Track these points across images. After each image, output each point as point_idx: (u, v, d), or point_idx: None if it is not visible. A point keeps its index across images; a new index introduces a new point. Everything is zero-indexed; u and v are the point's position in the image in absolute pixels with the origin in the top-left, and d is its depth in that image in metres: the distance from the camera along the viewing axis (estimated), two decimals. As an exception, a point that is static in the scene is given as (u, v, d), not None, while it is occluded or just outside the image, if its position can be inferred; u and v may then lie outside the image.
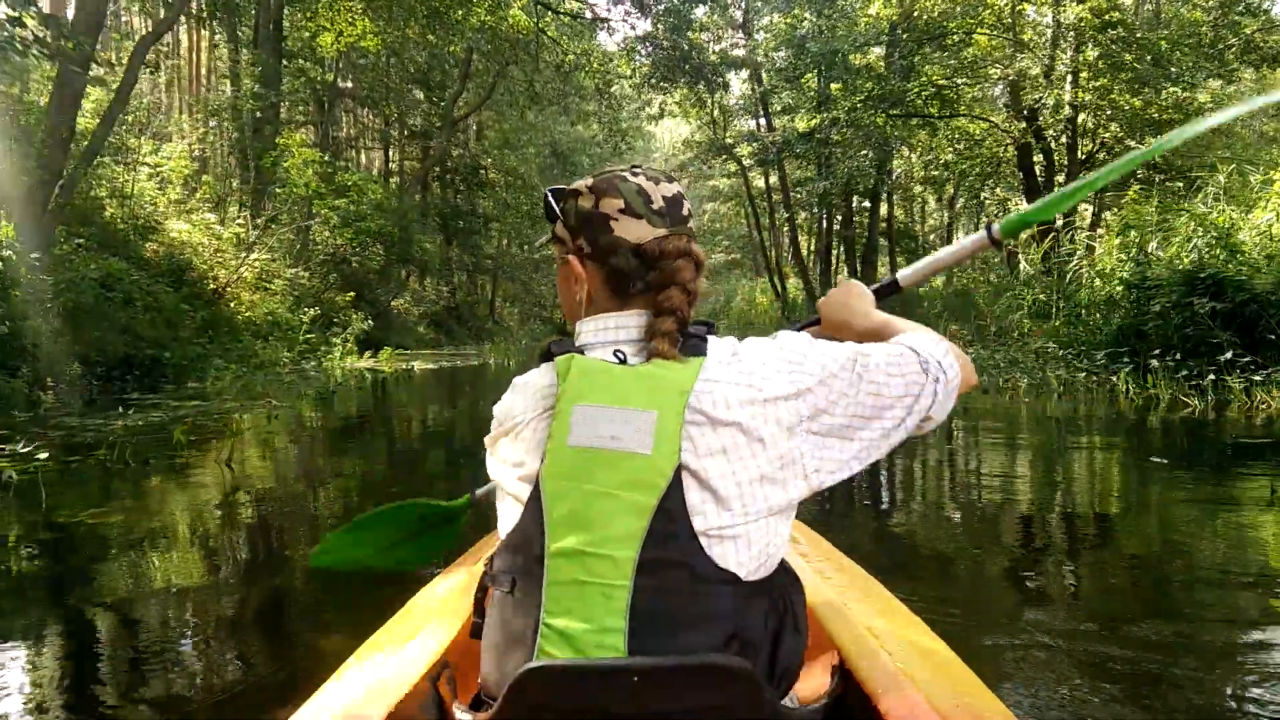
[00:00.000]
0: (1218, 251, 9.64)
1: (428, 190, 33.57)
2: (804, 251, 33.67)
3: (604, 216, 1.17)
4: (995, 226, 1.56)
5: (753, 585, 1.05)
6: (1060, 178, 18.23)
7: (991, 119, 20.43)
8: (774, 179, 32.95)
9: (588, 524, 1.03)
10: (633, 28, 27.81)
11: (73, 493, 4.52)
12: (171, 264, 15.63)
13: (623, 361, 1.13)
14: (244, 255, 16.97)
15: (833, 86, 21.07)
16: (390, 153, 36.61)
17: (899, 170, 29.30)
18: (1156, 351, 8.30)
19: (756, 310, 33.96)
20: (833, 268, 29.86)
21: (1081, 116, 17.88)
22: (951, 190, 33.61)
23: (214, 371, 12.16)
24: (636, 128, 36.93)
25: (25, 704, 2.06)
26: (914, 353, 1.17)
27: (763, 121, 30.29)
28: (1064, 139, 18.27)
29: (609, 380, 1.09)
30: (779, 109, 28.85)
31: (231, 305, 16.86)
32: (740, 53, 28.51)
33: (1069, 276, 12.65)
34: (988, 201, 24.15)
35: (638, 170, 1.21)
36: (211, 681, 2.24)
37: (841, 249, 31.02)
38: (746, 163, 33.03)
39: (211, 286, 16.51)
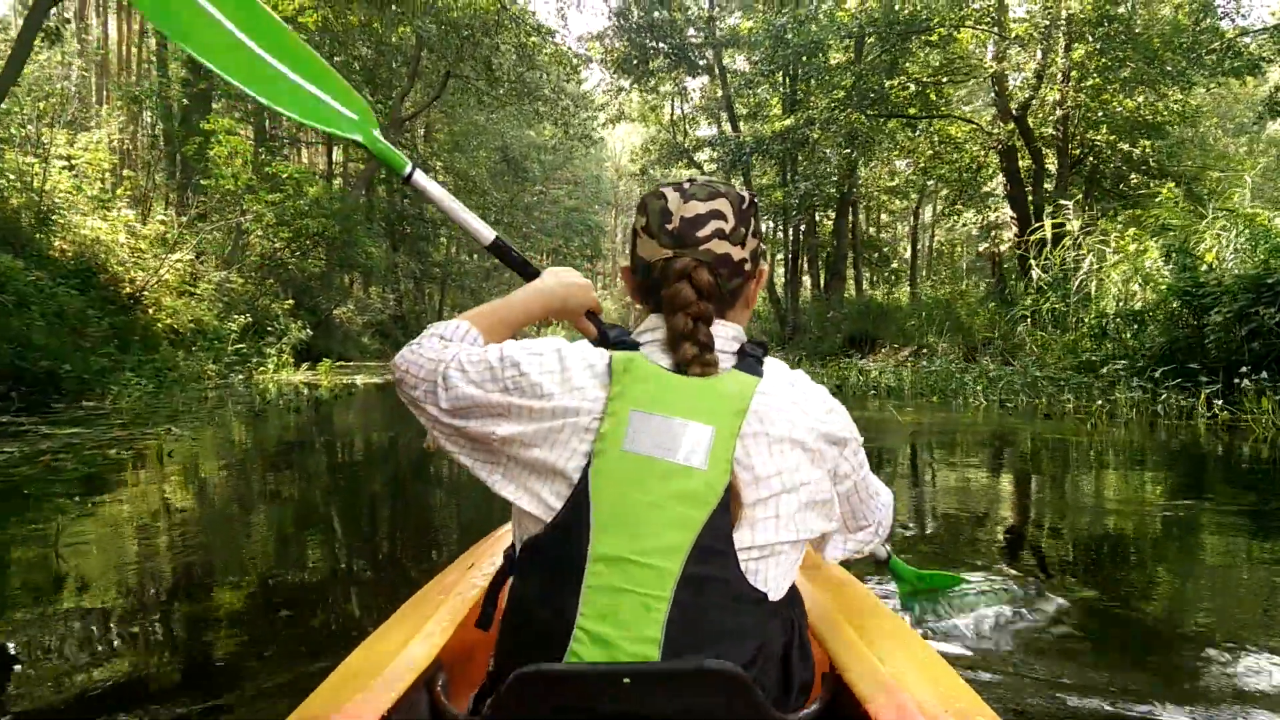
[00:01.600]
0: (1263, 255, 8.57)
1: (373, 192, 31.72)
2: (769, 263, 32.44)
3: (635, 232, 1.21)
4: (890, 559, 2.20)
5: (775, 605, 1.08)
6: (1049, 185, 17.26)
7: (975, 121, 19.42)
8: (738, 185, 31.83)
9: (635, 532, 1.02)
10: (607, 3, 26.38)
11: None
12: (81, 264, 13.82)
13: (682, 372, 1.10)
14: (165, 255, 15.13)
15: (808, 84, 19.83)
16: (334, 153, 34.70)
17: (863, 178, 28.31)
18: (1244, 369, 7.11)
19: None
20: (799, 279, 28.68)
21: (1073, 118, 16.92)
22: (916, 199, 32.84)
23: (116, 388, 10.40)
24: (588, 135, 35.56)
25: None
26: (889, 506, 1.37)
27: (727, 127, 29.20)
28: (1054, 142, 17.30)
29: (668, 390, 1.08)
30: (744, 114, 27.67)
31: (150, 311, 15.04)
32: (708, 55, 27.35)
33: (1080, 284, 11.53)
34: (961, 213, 23.03)
35: (688, 185, 1.19)
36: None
37: (804, 259, 29.84)
38: (710, 169, 31.93)
39: (127, 290, 14.69)
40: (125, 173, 19.27)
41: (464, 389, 1.15)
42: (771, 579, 1.06)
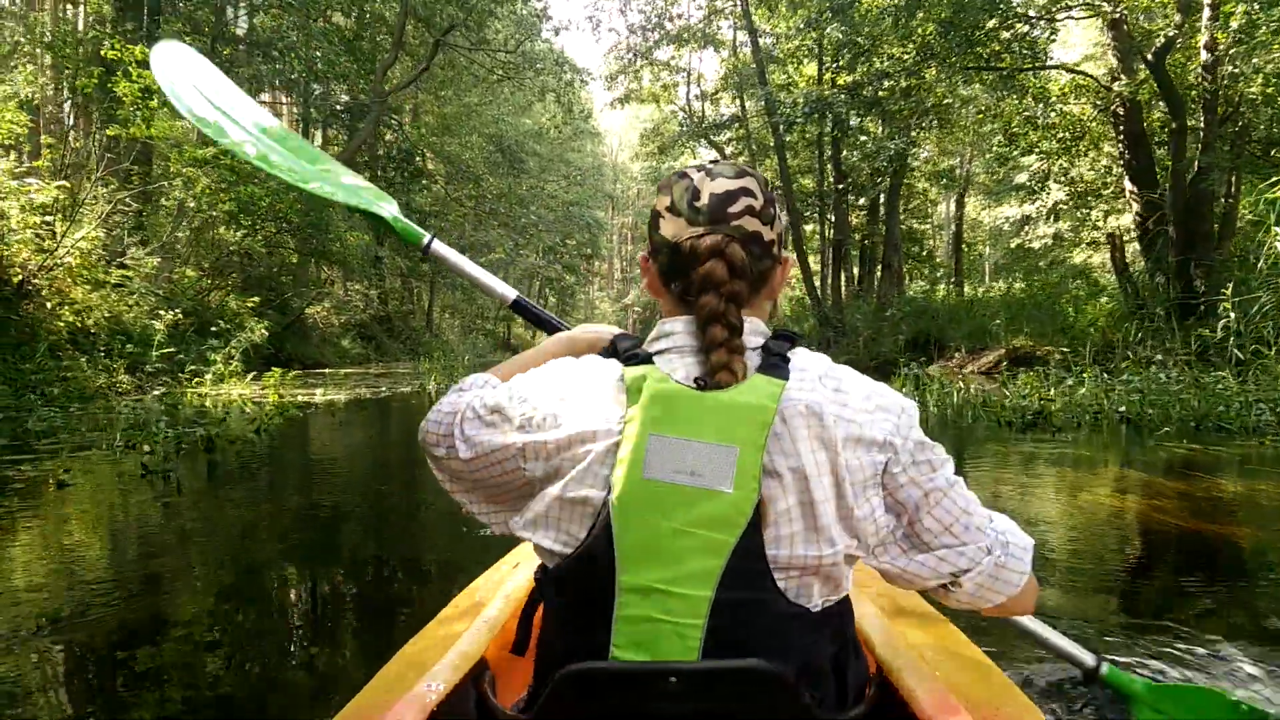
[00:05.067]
0: None
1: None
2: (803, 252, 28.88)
3: (657, 214, 1.14)
4: (1105, 667, 1.57)
5: (819, 617, 1.02)
6: (1195, 143, 13.78)
7: (1090, 74, 15.90)
8: (765, 168, 28.38)
9: (663, 560, 0.97)
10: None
11: None
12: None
13: (702, 388, 1.01)
14: (66, 233, 11.47)
15: (871, 35, 16.26)
16: (310, 133, 31.08)
17: (913, 158, 24.74)
18: None
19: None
20: (841, 271, 25.15)
21: (1220, 69, 13.43)
22: (960, 184, 29.43)
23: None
24: (589, 115, 32.11)
25: None
26: (1012, 548, 1.11)
27: (749, 104, 25.75)
28: (1199, 97, 13.80)
29: (686, 409, 0.99)
30: (778, 85, 24.08)
31: (49, 306, 11.44)
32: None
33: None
34: (1050, 191, 19.40)
35: (711, 165, 1.12)
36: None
37: (844, 250, 26.22)
38: (730, 151, 28.41)
39: (18, 277, 11.09)
40: (44, 139, 15.63)
41: (480, 435, 1.11)
42: (811, 595, 1.01)
